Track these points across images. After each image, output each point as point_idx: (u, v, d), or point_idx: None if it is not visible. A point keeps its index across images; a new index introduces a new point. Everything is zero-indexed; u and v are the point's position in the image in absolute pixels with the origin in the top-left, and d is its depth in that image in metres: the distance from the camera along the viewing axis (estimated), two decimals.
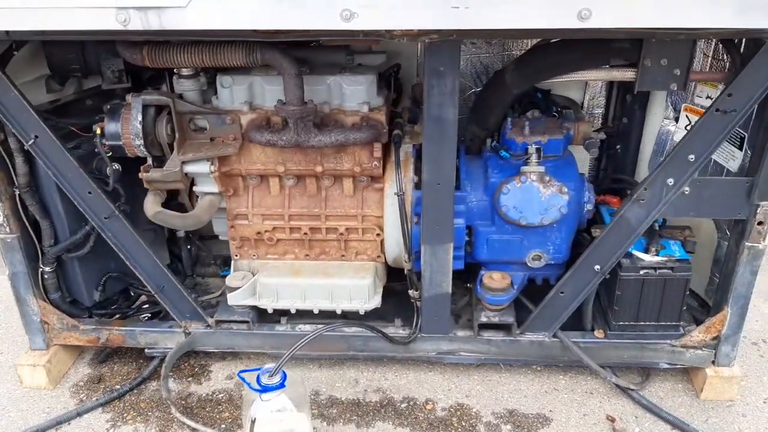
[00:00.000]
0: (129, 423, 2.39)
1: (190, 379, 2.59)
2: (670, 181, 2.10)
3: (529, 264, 2.41)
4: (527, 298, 2.51)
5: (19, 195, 2.31)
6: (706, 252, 2.49)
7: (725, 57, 2.18)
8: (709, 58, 2.30)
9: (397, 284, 2.63)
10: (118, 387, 2.54)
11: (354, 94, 2.25)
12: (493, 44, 2.62)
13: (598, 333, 2.43)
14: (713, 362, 2.41)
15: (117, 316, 2.67)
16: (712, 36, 2.01)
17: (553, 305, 2.36)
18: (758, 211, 2.12)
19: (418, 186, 2.25)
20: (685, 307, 2.37)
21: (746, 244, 2.18)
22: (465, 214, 2.34)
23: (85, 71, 2.30)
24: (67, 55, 2.26)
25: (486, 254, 2.42)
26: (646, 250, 2.30)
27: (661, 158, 2.52)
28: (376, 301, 2.47)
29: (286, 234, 2.47)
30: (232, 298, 2.46)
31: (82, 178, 2.23)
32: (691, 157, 2.06)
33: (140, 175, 2.27)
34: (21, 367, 2.54)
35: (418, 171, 2.26)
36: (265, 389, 1.97)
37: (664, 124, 2.55)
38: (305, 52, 2.30)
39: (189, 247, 2.93)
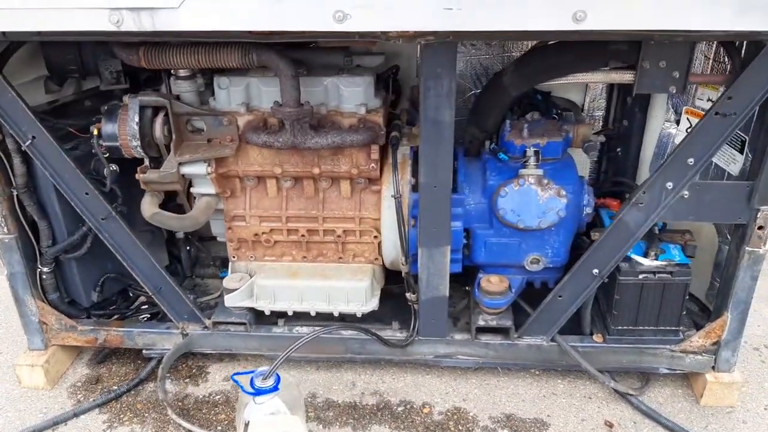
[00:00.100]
0: (125, 424, 2.39)
1: (187, 380, 2.59)
2: (669, 184, 2.08)
3: (527, 267, 2.39)
4: (526, 302, 2.50)
5: (17, 195, 2.31)
6: (707, 256, 2.47)
7: (726, 59, 2.16)
8: (710, 61, 2.27)
9: (396, 287, 2.63)
10: (116, 388, 2.54)
11: (351, 95, 2.24)
12: (493, 46, 2.60)
13: (597, 337, 2.41)
14: (713, 368, 2.38)
15: (115, 316, 2.68)
16: (712, 38, 1.99)
17: (551, 309, 2.35)
18: (759, 216, 2.10)
19: (415, 188, 2.24)
20: (685, 312, 2.35)
21: (746, 248, 2.16)
22: (462, 216, 2.32)
23: (83, 72, 2.31)
24: (65, 56, 2.26)
25: (484, 257, 2.40)
26: (646, 254, 2.28)
27: (662, 161, 2.49)
28: (373, 304, 2.46)
29: (283, 236, 2.47)
30: (229, 300, 2.46)
31: (79, 178, 2.24)
32: (691, 160, 2.04)
33: (137, 176, 2.27)
34: (19, 367, 2.54)
35: (415, 173, 2.25)
36: (258, 392, 1.97)
37: (665, 126, 2.53)
38: (303, 53, 2.31)
39: (188, 248, 2.93)
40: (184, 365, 2.66)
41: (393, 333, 2.49)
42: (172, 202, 2.65)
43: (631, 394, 2.42)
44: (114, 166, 2.33)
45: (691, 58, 1.94)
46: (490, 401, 2.46)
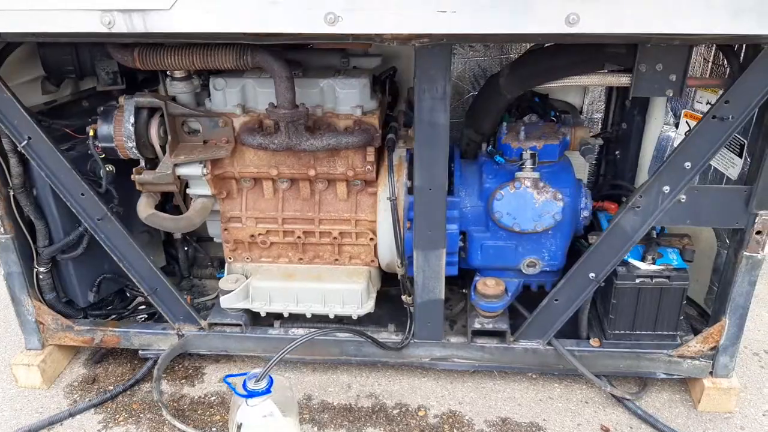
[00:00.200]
0: (120, 424, 2.40)
1: (183, 381, 2.59)
2: (666, 188, 2.06)
3: (523, 270, 2.38)
4: (523, 305, 2.48)
5: (14, 196, 2.32)
6: (706, 260, 2.45)
7: (725, 62, 2.14)
8: (710, 63, 2.25)
9: (393, 289, 2.62)
10: (112, 388, 2.55)
11: (347, 97, 2.24)
12: (491, 47, 2.59)
13: (594, 341, 2.40)
14: (711, 373, 2.36)
15: (112, 317, 2.68)
16: (709, 41, 1.98)
17: (548, 312, 2.33)
18: (756, 221, 2.08)
19: (411, 191, 2.23)
20: (683, 317, 2.34)
21: (744, 253, 2.14)
22: (458, 219, 2.31)
23: (80, 73, 2.30)
24: (62, 56, 2.25)
25: (480, 260, 2.39)
26: (643, 259, 2.27)
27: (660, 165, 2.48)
28: (369, 306, 2.45)
29: (279, 237, 2.46)
30: (225, 301, 2.46)
31: (74, 179, 2.24)
32: (688, 164, 2.02)
33: (132, 177, 2.27)
34: (16, 366, 2.55)
35: (411, 175, 2.23)
36: (251, 394, 1.96)
37: (664, 129, 2.51)
38: (300, 54, 2.31)
39: (186, 248, 2.93)
40: (180, 366, 2.66)
41: (389, 335, 2.49)
42: (170, 202, 2.65)
43: (627, 399, 2.40)
44: (110, 167, 2.33)
45: (688, 62, 1.92)
46: (485, 405, 2.44)
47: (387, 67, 2.49)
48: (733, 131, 1.95)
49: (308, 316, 2.48)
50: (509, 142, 2.28)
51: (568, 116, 2.52)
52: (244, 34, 1.84)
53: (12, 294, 2.47)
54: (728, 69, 2.05)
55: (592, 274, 2.23)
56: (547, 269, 2.39)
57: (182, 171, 2.29)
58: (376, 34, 1.78)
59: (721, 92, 2.03)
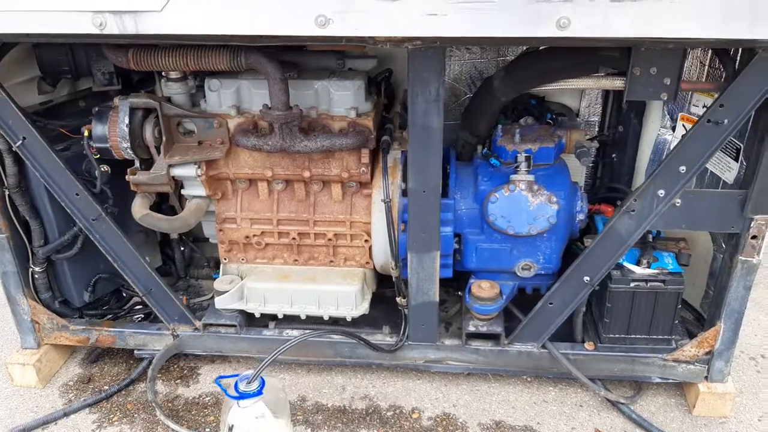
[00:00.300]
0: (115, 424, 2.40)
1: (178, 381, 2.60)
2: (661, 192, 2.05)
3: (518, 273, 2.37)
4: (518, 308, 2.47)
5: (9, 195, 2.32)
6: (703, 264, 2.44)
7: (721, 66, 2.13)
8: (706, 67, 2.24)
9: (389, 290, 2.61)
10: (107, 388, 2.55)
11: (341, 99, 2.24)
12: (488, 49, 2.58)
13: (589, 345, 2.39)
14: (706, 378, 2.35)
15: (108, 316, 2.68)
16: (702, 45, 1.97)
17: (542, 316, 2.32)
18: (752, 225, 2.06)
19: (405, 193, 2.22)
20: (678, 321, 2.33)
21: (740, 258, 2.12)
22: (453, 222, 2.31)
23: (76, 73, 2.31)
24: (57, 57, 2.26)
25: (475, 263, 2.38)
26: (638, 262, 2.26)
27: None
28: (363, 308, 2.45)
29: (274, 238, 2.46)
30: (220, 302, 2.46)
31: (69, 179, 2.24)
32: (682, 168, 2.01)
33: (127, 177, 2.27)
34: (11, 365, 2.56)
35: (406, 177, 2.23)
36: (242, 396, 1.96)
37: (661, 133, 2.50)
38: (295, 55, 2.31)
39: (182, 249, 2.93)
40: (175, 366, 2.67)
41: (383, 337, 2.48)
42: (166, 203, 2.66)
43: (622, 403, 2.39)
44: (105, 167, 2.33)
45: (683, 65, 1.91)
46: (479, 408, 2.44)
47: (383, 69, 2.48)
48: (728, 135, 1.94)
49: (303, 317, 2.48)
50: (504, 144, 2.27)
51: (565, 119, 2.51)
52: (236, 36, 1.83)
53: (7, 293, 2.48)
54: (723, 73, 2.04)
55: (586, 278, 2.22)
56: (542, 272, 2.38)
57: (177, 172, 2.29)
58: (369, 37, 1.78)
59: (716, 96, 2.03)
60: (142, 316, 2.74)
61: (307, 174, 2.31)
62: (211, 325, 2.51)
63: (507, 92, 2.19)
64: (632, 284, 2.23)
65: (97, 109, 2.24)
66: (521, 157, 2.22)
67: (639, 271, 2.24)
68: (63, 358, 2.71)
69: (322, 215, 2.41)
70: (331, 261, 2.49)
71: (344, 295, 2.42)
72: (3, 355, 2.75)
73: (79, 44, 2.24)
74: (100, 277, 2.61)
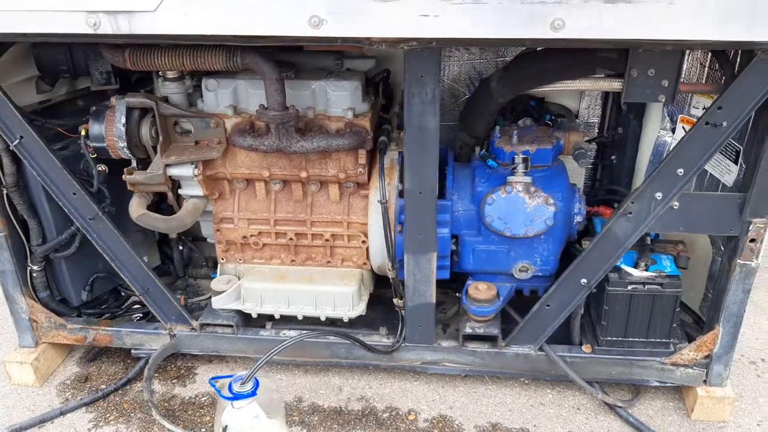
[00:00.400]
0: (111, 423, 2.40)
1: (175, 381, 2.60)
2: (659, 195, 2.04)
3: (515, 275, 2.36)
4: (516, 310, 2.46)
5: (7, 194, 2.33)
6: (702, 267, 2.42)
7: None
8: (706, 68, 2.22)
9: (387, 291, 2.59)
10: (104, 387, 2.56)
11: (338, 99, 2.23)
12: (487, 50, 2.57)
13: (586, 348, 2.38)
14: (705, 382, 2.33)
15: (106, 315, 2.68)
16: (700, 47, 1.95)
17: (539, 318, 2.31)
18: (750, 229, 2.05)
19: (402, 194, 2.21)
20: (678, 324, 2.32)
21: (738, 261, 2.11)
22: (450, 223, 2.30)
23: (74, 73, 2.30)
24: (55, 56, 2.26)
25: (472, 264, 2.38)
26: (636, 265, 2.24)
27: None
28: (360, 309, 2.44)
29: (271, 239, 2.46)
30: (217, 302, 2.46)
31: (66, 178, 2.25)
32: (680, 171, 1.99)
33: (124, 177, 2.27)
34: (9, 363, 2.56)
35: (403, 178, 2.22)
36: (236, 397, 1.96)
37: (661, 134, 2.48)
38: (293, 55, 2.30)
39: (181, 248, 2.93)
40: (172, 366, 2.67)
41: (380, 338, 2.48)
42: (165, 202, 2.66)
43: (619, 406, 2.38)
44: (102, 167, 2.34)
45: (681, 67, 1.90)
46: (476, 410, 2.43)
47: (381, 70, 2.47)
48: (727, 138, 1.92)
49: (299, 318, 2.47)
50: (502, 145, 2.26)
51: (564, 120, 2.49)
52: (230, 36, 1.82)
53: (5, 292, 2.49)
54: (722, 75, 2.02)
55: (583, 280, 2.21)
56: (540, 274, 2.37)
57: (173, 171, 2.29)
58: (364, 38, 1.77)
59: (715, 98, 2.01)
60: (141, 315, 2.75)
61: (304, 174, 2.30)
62: (208, 325, 2.51)
63: (504, 93, 2.18)
64: (629, 287, 2.22)
65: (94, 108, 2.24)
66: (518, 159, 2.22)
67: (636, 273, 2.22)
68: (61, 357, 2.72)
69: (320, 216, 2.40)
70: (329, 262, 2.49)
71: (341, 295, 2.41)
72: (2, 354, 2.75)
73: (77, 44, 2.24)
74: (97, 276, 2.61)
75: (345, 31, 1.67)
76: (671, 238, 2.36)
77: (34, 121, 2.23)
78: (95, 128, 2.21)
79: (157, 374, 2.61)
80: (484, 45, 2.46)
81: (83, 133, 2.23)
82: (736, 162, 2.14)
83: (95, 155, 2.27)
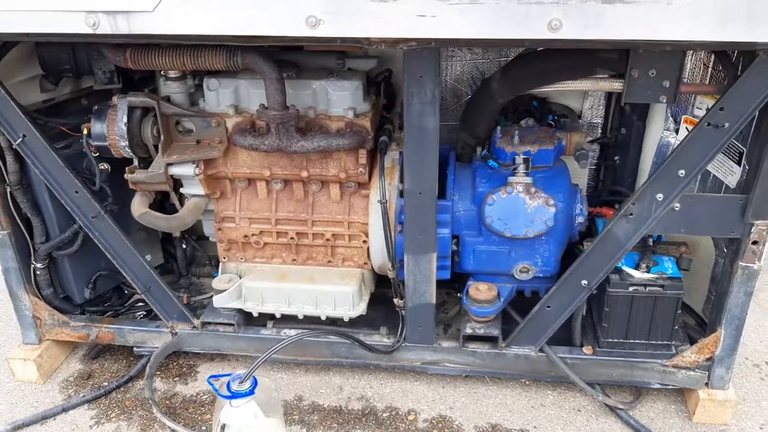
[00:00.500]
0: (112, 420, 2.42)
1: (176, 379, 2.61)
2: (660, 196, 2.02)
3: (516, 276, 2.36)
4: (517, 310, 2.45)
5: (11, 192, 2.34)
6: (705, 269, 2.40)
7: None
8: (709, 69, 2.20)
9: (388, 291, 2.59)
10: (106, 384, 2.57)
11: (339, 99, 2.23)
12: (490, 50, 2.56)
13: (587, 349, 2.37)
14: (707, 384, 2.31)
15: (109, 313, 2.70)
16: (700, 48, 1.94)
17: (540, 319, 2.30)
18: (753, 231, 2.03)
19: (403, 194, 2.21)
20: (679, 326, 2.30)
21: (740, 263, 2.09)
22: (450, 223, 2.30)
23: (77, 72, 2.32)
24: (59, 55, 2.27)
25: (473, 265, 2.37)
26: (637, 266, 2.23)
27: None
28: (360, 309, 2.45)
29: (272, 238, 2.46)
30: (218, 301, 2.46)
31: (68, 177, 2.26)
32: (681, 172, 1.98)
33: (125, 175, 2.29)
34: (13, 360, 2.58)
35: (403, 179, 2.22)
36: (233, 395, 1.96)
37: (665, 135, 2.46)
38: (295, 55, 2.31)
39: (184, 246, 2.94)
40: (174, 364, 2.68)
41: (381, 338, 2.48)
42: (168, 201, 2.66)
43: (620, 408, 2.37)
44: (105, 165, 2.35)
45: (682, 68, 1.89)
46: (476, 410, 2.42)
47: (383, 69, 2.47)
48: (728, 139, 1.91)
49: (300, 317, 2.48)
50: (503, 146, 2.25)
51: (567, 120, 2.48)
52: (228, 36, 1.83)
53: (9, 289, 2.51)
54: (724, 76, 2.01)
55: (584, 282, 2.20)
56: (541, 275, 2.36)
57: (175, 170, 2.30)
58: (364, 38, 1.77)
59: (717, 99, 2.00)
60: (144, 313, 2.76)
61: (305, 174, 2.31)
62: (209, 323, 2.51)
63: (504, 93, 2.18)
64: (631, 288, 2.21)
65: (96, 107, 2.25)
66: (519, 159, 2.21)
67: (638, 275, 2.21)
68: (64, 354, 2.73)
69: (321, 215, 2.41)
70: (330, 261, 2.49)
71: (341, 295, 2.41)
72: (6, 350, 2.77)
73: (79, 43, 2.26)
74: (100, 274, 2.63)
75: (342, 31, 1.67)
76: (674, 239, 2.35)
77: (36, 119, 2.25)
78: (97, 127, 2.22)
79: (159, 372, 2.62)
80: (482, 45, 2.46)
81: (85, 132, 2.25)
82: (739, 163, 2.13)
83: (97, 154, 2.28)
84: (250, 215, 2.44)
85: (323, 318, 2.48)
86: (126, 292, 2.79)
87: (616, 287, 2.21)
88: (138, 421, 2.41)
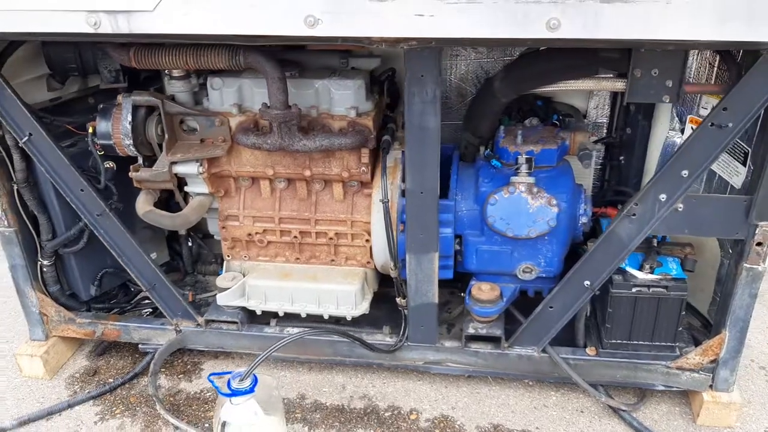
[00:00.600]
0: (117, 417, 2.44)
1: (181, 376, 2.63)
2: (663, 196, 2.01)
3: (519, 276, 2.35)
4: (520, 311, 2.44)
5: (17, 190, 2.37)
6: (711, 270, 2.38)
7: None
8: (715, 69, 2.18)
9: (392, 290, 2.59)
10: (111, 380, 2.59)
11: (342, 98, 2.23)
12: (495, 49, 2.55)
13: (590, 350, 2.35)
14: (711, 387, 2.30)
15: (115, 310, 2.72)
16: (701, 47, 1.92)
17: (542, 319, 2.29)
18: (757, 232, 2.01)
19: (405, 193, 2.21)
20: (684, 327, 2.28)
21: (745, 265, 2.07)
22: (453, 223, 2.29)
23: (83, 71, 2.33)
24: (64, 54, 2.29)
25: (475, 265, 2.36)
26: (641, 267, 2.21)
27: None
28: (363, 308, 2.45)
29: (276, 237, 2.47)
30: (222, 299, 2.48)
31: (74, 175, 2.28)
32: (685, 172, 1.96)
33: (130, 174, 2.30)
34: (20, 356, 2.61)
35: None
36: (234, 393, 1.97)
37: (670, 135, 2.44)
38: (299, 54, 2.31)
39: (190, 244, 2.96)
40: (179, 361, 2.70)
41: (383, 337, 2.48)
42: (174, 199, 2.68)
43: (623, 410, 2.36)
44: (110, 164, 2.37)
45: (684, 67, 1.87)
46: (478, 410, 2.42)
47: (387, 68, 2.47)
48: (732, 139, 1.89)
49: (303, 315, 2.49)
50: (506, 145, 2.25)
51: (572, 120, 2.47)
52: (228, 35, 1.83)
53: (17, 285, 2.54)
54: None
55: (587, 282, 2.19)
56: (544, 276, 2.35)
57: (179, 169, 2.32)
58: (364, 37, 1.77)
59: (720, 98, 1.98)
60: (150, 310, 2.78)
61: (308, 173, 2.31)
62: (213, 321, 2.53)
63: (507, 93, 2.17)
64: (634, 289, 2.19)
65: (101, 106, 2.27)
66: (522, 159, 2.20)
67: (641, 276, 2.20)
68: (71, 351, 2.76)
69: (324, 214, 2.41)
70: (333, 260, 2.50)
71: (344, 294, 2.42)
72: (14, 346, 2.80)
73: (85, 42, 2.27)
74: (106, 271, 2.65)
75: (341, 30, 1.67)
76: (679, 240, 2.33)
77: (42, 118, 2.27)
78: (102, 126, 2.24)
79: (163, 369, 2.64)
80: (481, 45, 2.45)
81: (90, 130, 2.27)
82: (744, 164, 2.10)
83: (102, 152, 2.30)
84: (254, 214, 2.45)
85: (326, 317, 2.48)
86: (132, 289, 2.81)
87: (619, 288, 2.20)
88: (142, 417, 2.43)
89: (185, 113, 2.27)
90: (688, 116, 2.34)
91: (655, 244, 2.28)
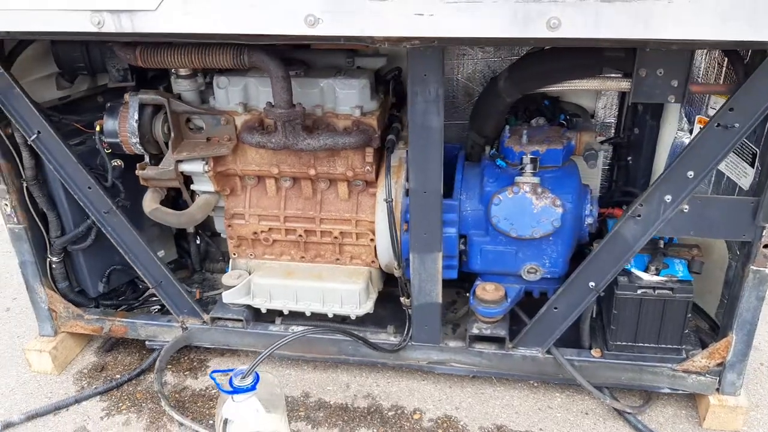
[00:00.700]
0: (123, 412, 2.46)
1: (187, 373, 2.64)
2: (668, 197, 1.99)
3: (524, 277, 2.34)
4: (525, 311, 2.43)
5: (27, 187, 2.40)
6: (719, 272, 2.36)
7: None
8: (723, 68, 2.16)
9: (397, 289, 2.59)
10: (118, 377, 2.62)
11: (346, 97, 2.24)
12: (501, 48, 2.54)
13: (595, 352, 2.34)
14: (718, 390, 2.27)
15: (123, 307, 2.75)
16: (706, 47, 1.89)
17: (547, 320, 2.28)
18: (764, 234, 1.98)
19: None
20: (691, 330, 2.26)
21: (752, 267, 2.04)
22: (457, 222, 2.28)
23: (91, 69, 2.36)
24: (73, 53, 2.31)
25: (480, 265, 2.36)
26: (647, 269, 2.19)
27: None
28: (367, 307, 2.45)
29: (281, 235, 2.48)
30: (227, 296, 2.49)
31: (82, 173, 2.30)
32: (690, 173, 1.94)
33: (136, 172, 2.32)
34: (29, 351, 2.65)
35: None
36: (235, 391, 1.98)
37: (679, 135, 2.42)
38: (305, 53, 2.32)
39: (198, 242, 2.97)
40: (185, 358, 2.71)
41: (387, 337, 2.48)
42: (181, 197, 2.70)
43: (628, 413, 2.34)
44: (118, 162, 2.39)
45: (690, 67, 1.85)
46: (482, 411, 2.41)
47: (392, 68, 2.46)
48: (738, 140, 1.87)
49: (308, 314, 2.49)
50: (512, 145, 2.24)
51: (579, 120, 2.45)
52: (229, 35, 1.84)
53: (26, 282, 2.57)
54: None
55: (591, 283, 2.17)
56: (549, 276, 2.33)
57: (185, 167, 2.33)
58: (367, 36, 1.77)
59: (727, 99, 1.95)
60: (158, 307, 2.80)
61: (312, 172, 2.32)
62: (218, 318, 2.54)
63: (511, 92, 2.16)
64: (639, 291, 2.17)
65: (108, 105, 2.29)
66: (526, 159, 2.18)
67: (646, 277, 2.18)
68: (80, 346, 2.79)
69: (329, 213, 2.42)
70: (337, 259, 2.50)
71: (348, 293, 2.42)
72: (25, 341, 2.83)
73: (92, 41, 2.30)
74: (114, 268, 2.67)
75: (341, 30, 1.67)
76: (686, 242, 2.30)
77: (51, 116, 2.30)
78: (109, 124, 2.26)
79: (170, 366, 2.66)
80: (481, 44, 2.44)
81: (98, 128, 2.29)
82: (752, 165, 2.08)
83: (110, 151, 2.32)
84: (260, 212, 2.46)
85: (330, 315, 2.49)
86: (140, 286, 2.84)
87: (624, 289, 2.18)
88: (147, 413, 2.45)
89: (191, 112, 2.28)
90: (697, 116, 2.31)
91: (662, 246, 2.26)
